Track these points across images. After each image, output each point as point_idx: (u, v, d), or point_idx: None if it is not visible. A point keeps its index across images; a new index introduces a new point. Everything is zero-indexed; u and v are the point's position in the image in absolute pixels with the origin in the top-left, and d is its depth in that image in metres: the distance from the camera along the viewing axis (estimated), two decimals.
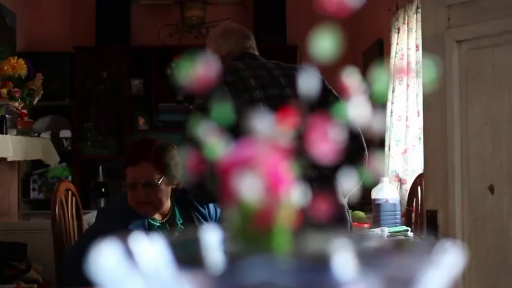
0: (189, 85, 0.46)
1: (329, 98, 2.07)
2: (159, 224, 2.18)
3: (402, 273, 0.39)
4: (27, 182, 5.34)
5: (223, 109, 0.46)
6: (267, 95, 2.05)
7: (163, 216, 2.20)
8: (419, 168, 3.61)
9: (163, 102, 5.71)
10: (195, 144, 0.44)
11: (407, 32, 3.90)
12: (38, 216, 4.41)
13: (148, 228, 2.15)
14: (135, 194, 2.11)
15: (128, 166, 2.13)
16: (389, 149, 3.98)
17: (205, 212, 2.25)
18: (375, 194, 3.27)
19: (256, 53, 2.28)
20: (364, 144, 2.12)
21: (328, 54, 0.45)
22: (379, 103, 0.45)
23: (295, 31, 5.45)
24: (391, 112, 3.97)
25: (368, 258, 0.44)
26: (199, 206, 2.24)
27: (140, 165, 2.11)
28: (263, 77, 2.09)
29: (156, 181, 2.11)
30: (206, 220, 2.24)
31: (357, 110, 0.45)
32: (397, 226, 3.14)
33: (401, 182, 3.89)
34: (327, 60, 0.45)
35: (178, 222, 2.21)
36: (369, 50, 5.06)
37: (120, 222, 2.12)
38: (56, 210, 2.39)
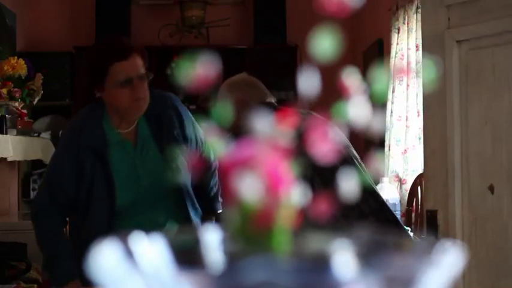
0: (189, 85, 0.46)
1: None
2: (119, 137, 2.01)
3: (402, 273, 0.39)
4: (27, 182, 5.34)
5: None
6: None
7: (127, 126, 2.03)
8: (419, 168, 3.61)
9: None
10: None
11: (407, 32, 3.90)
12: None
13: (107, 143, 1.98)
14: (132, 90, 1.94)
15: (116, 61, 1.93)
16: (389, 149, 3.98)
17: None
18: None
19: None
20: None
21: (328, 54, 0.44)
22: (379, 103, 0.45)
23: (295, 31, 5.45)
24: (391, 112, 3.97)
25: (368, 258, 0.44)
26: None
27: (133, 58, 1.95)
28: None
29: (146, 74, 1.98)
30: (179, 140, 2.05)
31: (357, 110, 0.45)
32: None
33: (401, 182, 3.88)
34: (327, 60, 0.45)
35: (142, 136, 2.03)
36: (369, 50, 5.06)
37: (74, 138, 1.98)
38: None
